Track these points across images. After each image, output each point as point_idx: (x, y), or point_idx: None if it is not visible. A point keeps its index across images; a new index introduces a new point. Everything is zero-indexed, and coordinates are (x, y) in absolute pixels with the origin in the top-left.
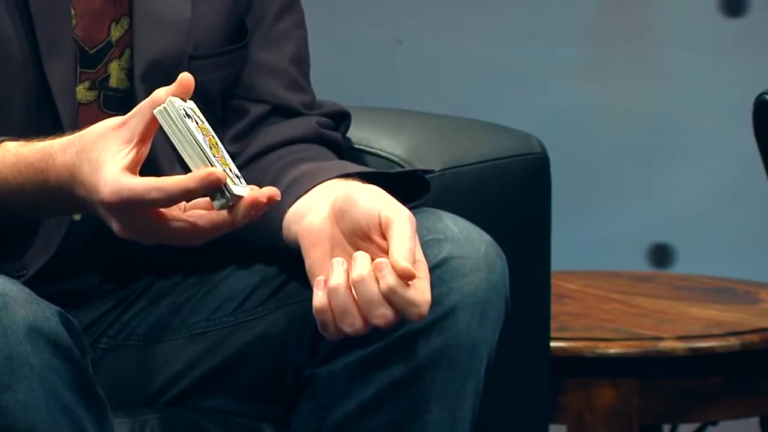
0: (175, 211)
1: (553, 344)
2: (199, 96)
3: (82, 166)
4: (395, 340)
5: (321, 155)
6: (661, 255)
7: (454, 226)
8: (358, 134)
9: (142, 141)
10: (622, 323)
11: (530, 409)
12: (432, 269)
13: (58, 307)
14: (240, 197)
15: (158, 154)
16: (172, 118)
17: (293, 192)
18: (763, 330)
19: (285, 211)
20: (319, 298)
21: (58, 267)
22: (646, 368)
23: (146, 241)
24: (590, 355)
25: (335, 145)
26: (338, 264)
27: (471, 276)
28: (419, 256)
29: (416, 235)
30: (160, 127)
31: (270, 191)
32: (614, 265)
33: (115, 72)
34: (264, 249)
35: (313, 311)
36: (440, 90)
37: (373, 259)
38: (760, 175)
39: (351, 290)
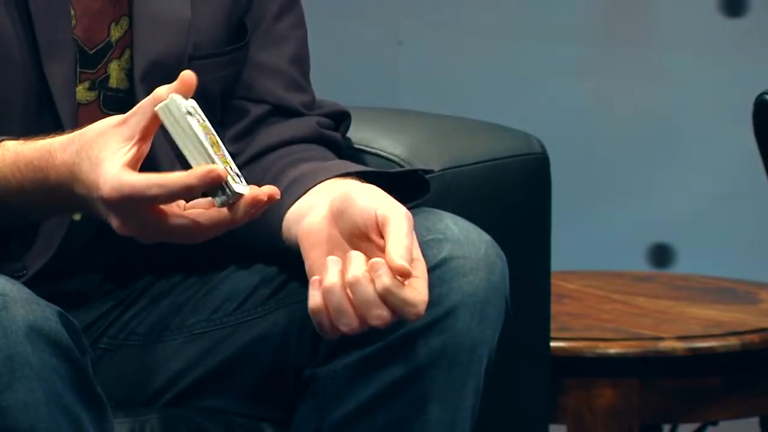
0: (175, 209)
1: (553, 344)
2: (199, 96)
3: (82, 164)
4: (395, 340)
5: (321, 155)
6: (661, 255)
7: (454, 226)
8: (358, 134)
9: (143, 138)
10: (622, 323)
11: (530, 409)
12: (432, 269)
13: (58, 307)
14: (240, 195)
15: (157, 153)
16: (174, 116)
17: (293, 192)
18: (763, 330)
19: (285, 212)
20: (314, 298)
21: (58, 267)
22: (646, 368)
23: (146, 238)
24: (590, 355)
25: (335, 145)
26: (333, 263)
27: (471, 276)
28: (417, 255)
29: (414, 234)
30: (162, 125)
31: (270, 190)
32: (614, 265)
33: (114, 72)
34: (264, 249)
35: (309, 311)
36: (440, 90)
37: (371, 259)
38: (760, 175)
39: (346, 290)
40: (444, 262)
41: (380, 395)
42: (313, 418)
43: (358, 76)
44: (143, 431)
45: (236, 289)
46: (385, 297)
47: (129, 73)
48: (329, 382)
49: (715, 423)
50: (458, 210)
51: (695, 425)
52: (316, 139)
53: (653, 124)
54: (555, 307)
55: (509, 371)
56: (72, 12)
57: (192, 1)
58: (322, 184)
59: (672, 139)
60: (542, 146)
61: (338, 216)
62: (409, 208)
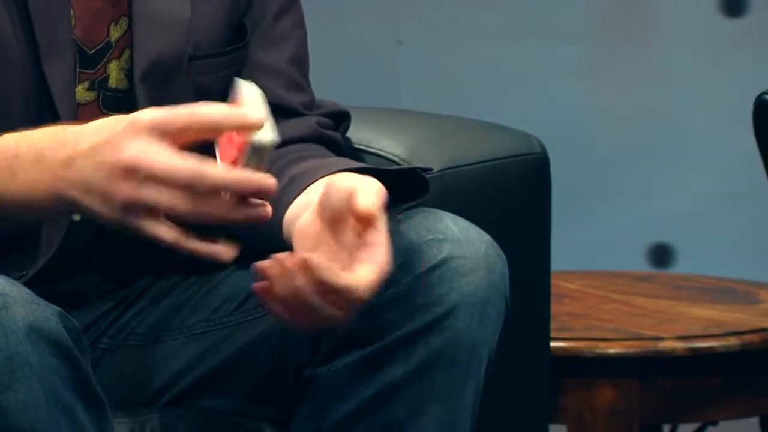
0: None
1: (553, 344)
2: (199, 96)
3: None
4: (395, 340)
5: (321, 154)
6: (661, 255)
7: (454, 226)
8: (358, 134)
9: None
10: (622, 323)
11: (530, 409)
12: (432, 269)
13: (58, 307)
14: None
15: None
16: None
17: (293, 189)
18: (763, 330)
19: (284, 210)
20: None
21: (58, 267)
22: (646, 368)
23: (145, 182)
24: (590, 355)
25: (335, 144)
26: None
27: (471, 276)
28: (378, 241)
29: (383, 212)
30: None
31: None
32: (614, 265)
33: (114, 72)
34: (265, 249)
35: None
36: (440, 90)
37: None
38: (760, 175)
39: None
40: (444, 262)
41: (380, 395)
42: (313, 418)
43: (358, 76)
44: (143, 431)
45: (236, 289)
46: (323, 295)
47: (128, 73)
48: (329, 382)
49: (715, 423)
50: (458, 210)
51: (695, 425)
52: (315, 138)
53: (653, 124)
54: (555, 307)
55: (509, 371)
56: (71, 12)
57: (192, 1)
58: (321, 180)
59: (672, 139)
60: (542, 146)
61: (323, 207)
62: (408, 208)
